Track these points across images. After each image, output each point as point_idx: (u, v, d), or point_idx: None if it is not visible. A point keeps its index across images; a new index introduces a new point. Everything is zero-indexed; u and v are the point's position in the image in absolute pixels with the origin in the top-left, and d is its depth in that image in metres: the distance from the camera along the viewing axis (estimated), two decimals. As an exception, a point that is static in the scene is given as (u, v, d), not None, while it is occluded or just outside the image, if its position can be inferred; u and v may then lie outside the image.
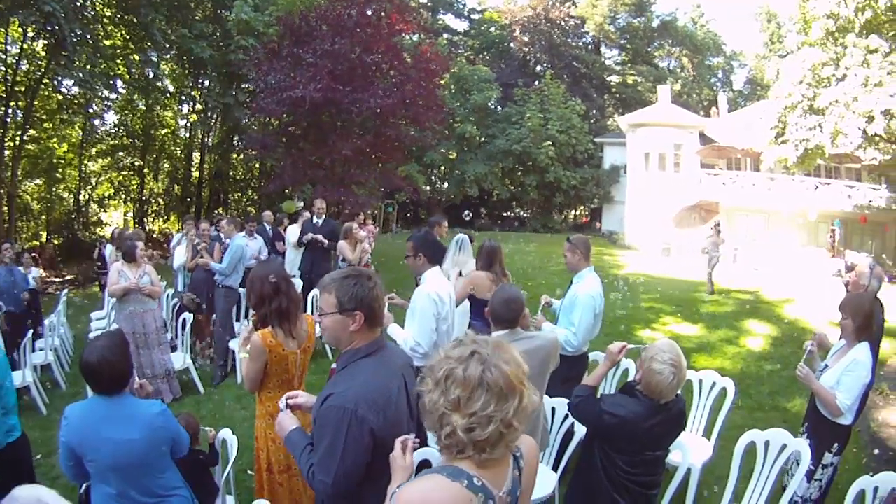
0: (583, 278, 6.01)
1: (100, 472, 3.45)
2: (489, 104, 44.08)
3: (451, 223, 36.92)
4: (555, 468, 5.21)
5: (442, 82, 28.66)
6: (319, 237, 11.64)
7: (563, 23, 51.17)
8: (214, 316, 9.96)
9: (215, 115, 32.45)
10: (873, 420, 8.41)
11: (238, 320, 10.00)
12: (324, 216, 12.31)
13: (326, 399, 2.88)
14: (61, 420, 3.45)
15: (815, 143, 24.66)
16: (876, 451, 7.36)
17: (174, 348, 9.30)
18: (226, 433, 4.46)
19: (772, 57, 37.73)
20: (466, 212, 25.86)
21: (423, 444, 2.69)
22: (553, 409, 5.28)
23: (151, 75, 27.63)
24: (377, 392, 2.64)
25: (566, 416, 5.10)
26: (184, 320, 8.92)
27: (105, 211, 35.25)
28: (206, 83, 31.19)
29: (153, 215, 36.86)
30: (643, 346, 3.96)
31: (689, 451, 4.71)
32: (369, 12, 21.39)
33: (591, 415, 3.83)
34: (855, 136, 23.09)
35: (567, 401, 4.27)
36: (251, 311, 6.86)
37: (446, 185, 44.45)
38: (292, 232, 12.90)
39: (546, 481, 4.94)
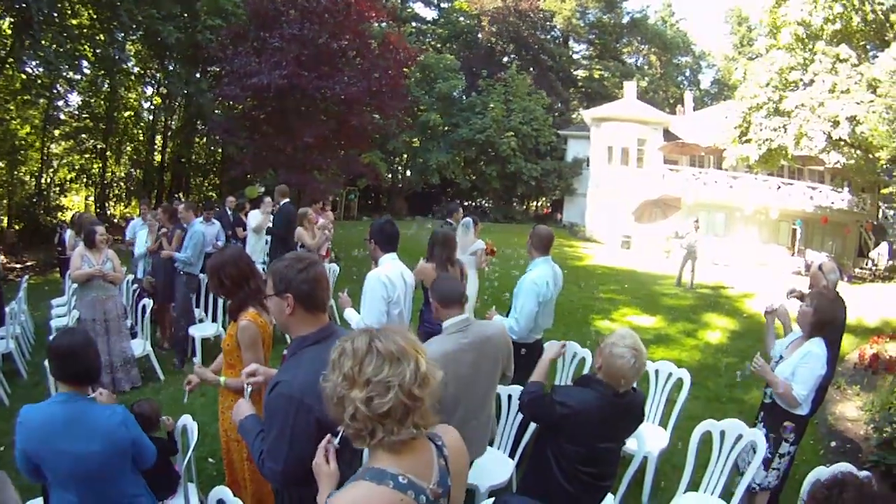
0: (533, 267, 6.07)
1: (58, 480, 3.35)
2: (454, 93, 44.12)
3: (413, 211, 36.80)
4: (512, 454, 5.24)
5: (407, 71, 28.61)
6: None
7: (531, 15, 51.22)
8: (174, 304, 9.88)
9: (179, 99, 32.11)
10: (831, 413, 8.61)
11: (198, 307, 9.95)
12: (281, 202, 12.28)
13: (274, 387, 2.87)
14: (17, 423, 3.29)
15: (778, 143, 25.06)
16: (833, 443, 7.58)
17: (134, 335, 9.16)
18: (186, 419, 4.42)
19: (740, 59, 38.11)
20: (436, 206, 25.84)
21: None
22: (509, 397, 5.31)
23: (117, 56, 27.20)
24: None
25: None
26: (143, 306, 8.81)
27: (66, 195, 34.58)
28: (172, 65, 30.75)
29: (114, 200, 36.45)
30: (601, 336, 4.02)
31: (645, 439, 4.78)
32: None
33: (542, 408, 3.81)
34: (819, 140, 23.47)
35: (521, 388, 4.25)
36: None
37: (408, 173, 44.51)
38: (253, 217, 12.77)
39: (503, 468, 4.99)
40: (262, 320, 4.21)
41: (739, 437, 4.69)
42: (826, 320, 4.86)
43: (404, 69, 24.49)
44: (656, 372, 6.22)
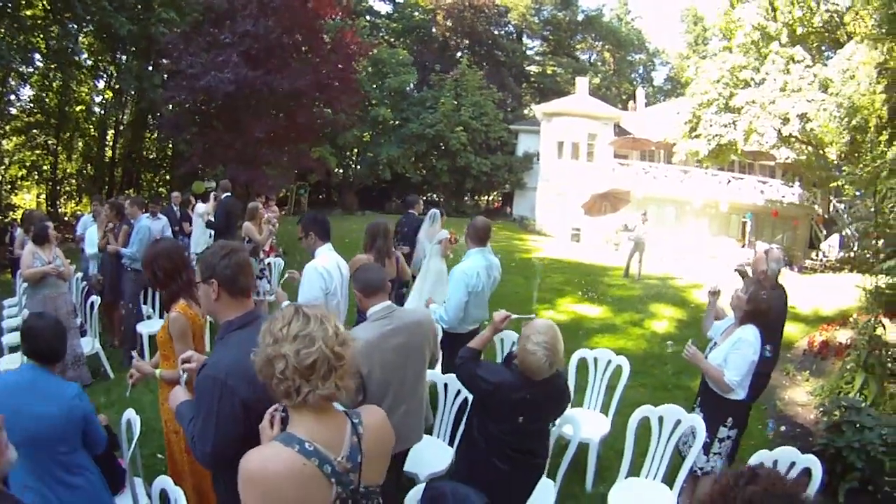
0: (466, 258, 6.20)
1: (14, 442, 3.42)
2: (406, 88, 44.15)
3: (363, 206, 36.63)
4: (451, 442, 5.32)
5: (359, 66, 28.56)
6: None
7: (486, 10, 51.30)
8: (123, 301, 9.77)
9: (131, 93, 31.59)
10: (780, 399, 8.83)
11: (146, 303, 9.88)
12: (223, 196, 12.24)
13: (201, 370, 2.98)
14: None
15: (728, 138, 25.60)
16: (783, 428, 7.78)
17: (83, 333, 9.07)
18: (129, 413, 4.42)
19: (693, 57, 38.58)
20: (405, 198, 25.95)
21: None
22: (446, 385, 5.41)
23: (70, 49, 26.78)
24: (246, 363, 2.51)
25: (458, 392, 5.24)
26: (92, 304, 8.75)
27: (17, 193, 33.97)
28: (124, 58, 30.31)
29: (66, 197, 35.84)
30: (529, 317, 4.12)
31: (582, 425, 4.83)
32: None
33: (468, 377, 3.99)
34: (770, 136, 24.02)
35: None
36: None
37: (359, 167, 44.40)
38: (200, 207, 12.75)
39: (442, 456, 5.08)
40: (191, 312, 4.31)
41: (678, 423, 4.81)
42: (760, 310, 4.98)
43: (354, 63, 24.41)
44: (595, 360, 6.30)
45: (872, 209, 10.58)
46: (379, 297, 4.18)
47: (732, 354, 4.90)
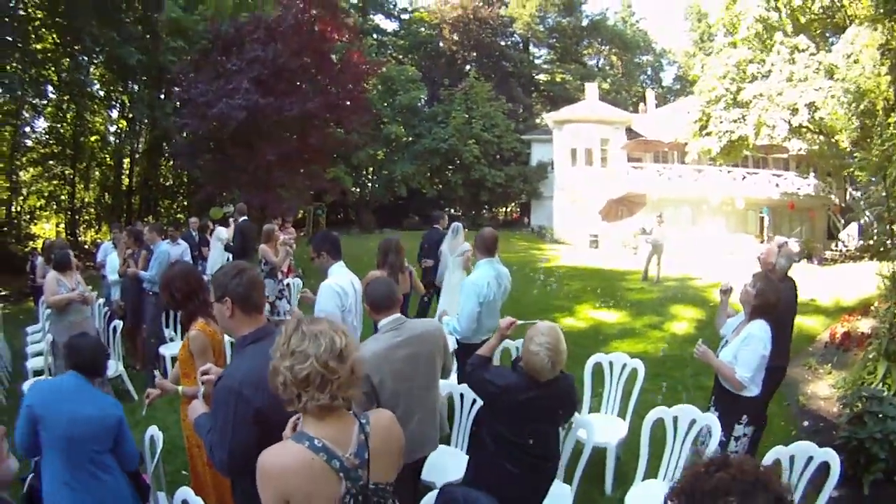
0: (476, 269, 6.29)
1: (51, 440, 3.81)
2: (416, 104, 44.16)
3: (381, 224, 36.63)
4: (468, 451, 5.25)
5: (368, 85, 28.67)
6: None
7: (491, 22, 51.23)
8: (145, 325, 9.88)
9: (144, 121, 31.88)
10: (802, 394, 8.81)
11: (168, 326, 9.89)
12: (239, 220, 12.53)
13: (218, 381, 3.18)
14: (27, 390, 3.69)
15: (738, 134, 25.64)
16: (805, 423, 7.76)
17: (107, 357, 9.13)
18: (152, 430, 4.54)
19: (699, 54, 38.56)
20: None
21: None
22: (462, 395, 5.47)
23: (81, 80, 27.05)
24: (259, 374, 2.76)
25: (474, 401, 5.27)
26: (114, 328, 8.84)
27: (36, 223, 34.21)
28: (136, 87, 30.61)
29: (84, 225, 35.90)
30: (533, 322, 4.13)
31: (599, 430, 4.95)
32: (304, 17, 21.41)
33: (477, 381, 4.11)
34: (781, 128, 24.00)
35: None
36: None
37: (375, 185, 44.30)
38: (220, 232, 12.89)
39: (459, 464, 5.05)
40: (210, 329, 4.48)
41: (693, 423, 4.82)
42: (769, 303, 4.97)
43: (363, 83, 24.53)
44: (610, 364, 6.32)
45: (884, 194, 10.51)
46: (388, 311, 4.27)
47: (742, 351, 4.90)
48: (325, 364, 2.40)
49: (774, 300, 5.00)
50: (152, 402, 4.54)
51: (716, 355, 5.17)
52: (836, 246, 30.28)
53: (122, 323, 9.16)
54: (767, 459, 4.24)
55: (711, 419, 4.79)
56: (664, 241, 18.98)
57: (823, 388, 9.00)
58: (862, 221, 26.56)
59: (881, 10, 16.41)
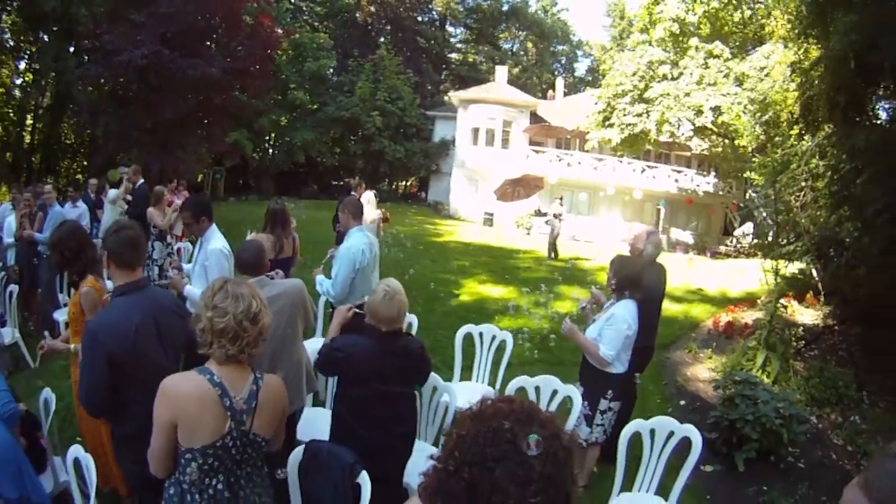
0: (350, 236, 6.34)
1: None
2: (324, 73, 43.82)
3: (281, 191, 36.28)
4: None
5: (278, 51, 28.36)
6: None
7: (412, -4, 51.04)
8: (40, 289, 9.81)
9: (51, 75, 30.60)
10: (681, 375, 9.21)
11: (62, 291, 9.68)
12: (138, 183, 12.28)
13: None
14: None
15: (640, 128, 26.78)
16: (682, 402, 8.18)
17: (3, 323, 8.89)
18: (45, 392, 4.46)
19: (614, 49, 39.37)
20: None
21: None
22: (434, 389, 5.47)
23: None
24: (117, 322, 3.30)
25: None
26: (10, 293, 8.63)
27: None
28: (46, 37, 29.19)
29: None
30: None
31: (466, 395, 5.07)
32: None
33: (324, 361, 4.13)
34: (686, 127, 25.38)
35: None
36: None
37: (276, 152, 43.69)
38: (111, 193, 12.59)
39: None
40: (99, 285, 4.59)
41: (555, 393, 5.08)
42: (629, 278, 5.21)
43: (271, 51, 24.35)
44: (480, 335, 6.47)
45: (773, 197, 11.16)
46: (254, 272, 4.60)
47: (606, 329, 5.12)
48: (239, 322, 2.76)
49: (633, 275, 5.23)
50: (48, 355, 4.85)
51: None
52: (731, 242, 31.51)
53: (17, 287, 8.91)
54: (627, 432, 4.50)
55: (572, 390, 5.04)
56: (561, 223, 19.94)
57: (703, 372, 9.38)
58: (758, 221, 27.70)
59: (795, 31, 17.00)
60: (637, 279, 5.22)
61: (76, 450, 3.50)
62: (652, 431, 4.54)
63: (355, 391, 3.97)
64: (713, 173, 33.90)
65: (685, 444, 4.44)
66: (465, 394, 5.30)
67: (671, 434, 4.49)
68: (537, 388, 5.11)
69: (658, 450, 4.53)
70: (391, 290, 3.94)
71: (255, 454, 2.93)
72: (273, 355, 4.37)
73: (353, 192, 11.47)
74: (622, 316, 5.07)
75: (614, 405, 5.30)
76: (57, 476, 4.43)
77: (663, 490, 4.56)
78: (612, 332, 5.06)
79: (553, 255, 19.89)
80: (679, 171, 34.42)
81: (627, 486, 4.65)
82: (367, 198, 10.21)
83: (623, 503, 4.57)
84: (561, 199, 21.62)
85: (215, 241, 5.58)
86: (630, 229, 30.59)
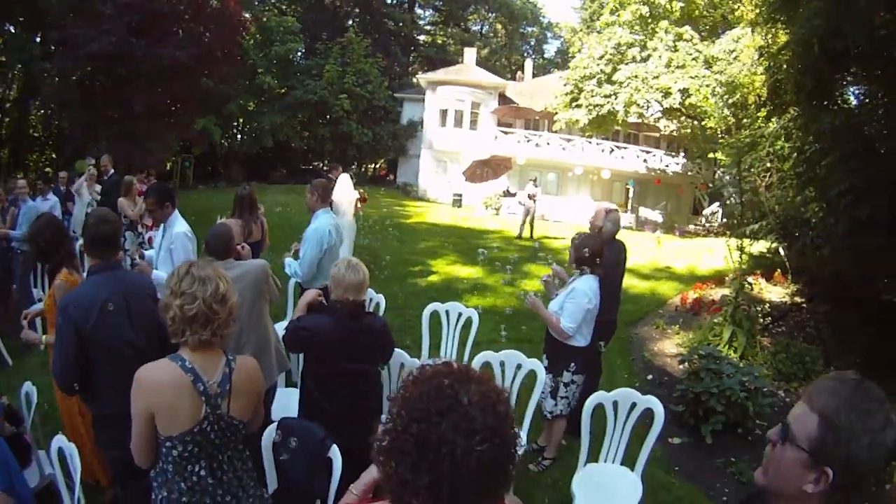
0: (317, 217, 6.45)
1: None
2: (292, 56, 43.43)
3: (250, 177, 36.06)
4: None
5: (245, 36, 28.18)
6: None
7: (381, -23, 50.75)
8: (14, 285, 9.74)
9: (18, 66, 30.16)
10: (648, 350, 9.44)
11: (36, 286, 9.60)
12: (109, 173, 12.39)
13: None
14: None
15: (608, 109, 26.97)
16: (649, 377, 8.35)
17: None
18: (26, 386, 4.51)
19: (583, 31, 39.51)
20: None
21: None
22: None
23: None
24: (84, 295, 3.49)
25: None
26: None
27: None
28: (12, 28, 28.76)
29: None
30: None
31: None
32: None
33: (291, 339, 4.22)
34: (654, 108, 25.89)
35: None
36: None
37: (245, 137, 43.30)
38: (79, 185, 12.59)
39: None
40: (73, 278, 4.60)
41: (519, 367, 5.16)
42: (589, 254, 5.31)
43: (238, 36, 24.17)
44: (447, 312, 6.55)
45: (738, 177, 11.50)
46: (220, 256, 4.61)
47: (568, 303, 5.26)
48: (209, 306, 2.79)
49: (593, 251, 5.32)
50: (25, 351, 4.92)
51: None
52: (700, 221, 31.78)
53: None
54: (590, 404, 4.59)
55: (536, 364, 5.09)
56: (536, 202, 20.23)
57: (670, 347, 9.58)
58: (728, 201, 28.04)
59: (763, 16, 17.14)
60: (597, 255, 5.32)
61: (59, 439, 3.54)
62: (615, 403, 4.64)
63: (321, 369, 4.07)
64: (682, 154, 34.19)
65: (649, 415, 4.52)
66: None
67: (633, 405, 4.59)
68: (502, 363, 5.17)
69: (622, 421, 4.62)
70: (353, 261, 4.10)
71: (234, 437, 2.95)
72: (239, 334, 4.41)
73: (330, 175, 11.86)
74: (583, 290, 5.21)
75: (578, 378, 5.44)
76: (42, 470, 4.43)
77: (630, 461, 4.65)
78: (573, 305, 5.19)
79: (527, 234, 20.03)
80: (648, 152, 34.59)
81: (594, 457, 4.74)
82: (345, 179, 10.23)
83: (589, 473, 4.65)
84: (535, 179, 21.75)
85: (178, 224, 5.69)
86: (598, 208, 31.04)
